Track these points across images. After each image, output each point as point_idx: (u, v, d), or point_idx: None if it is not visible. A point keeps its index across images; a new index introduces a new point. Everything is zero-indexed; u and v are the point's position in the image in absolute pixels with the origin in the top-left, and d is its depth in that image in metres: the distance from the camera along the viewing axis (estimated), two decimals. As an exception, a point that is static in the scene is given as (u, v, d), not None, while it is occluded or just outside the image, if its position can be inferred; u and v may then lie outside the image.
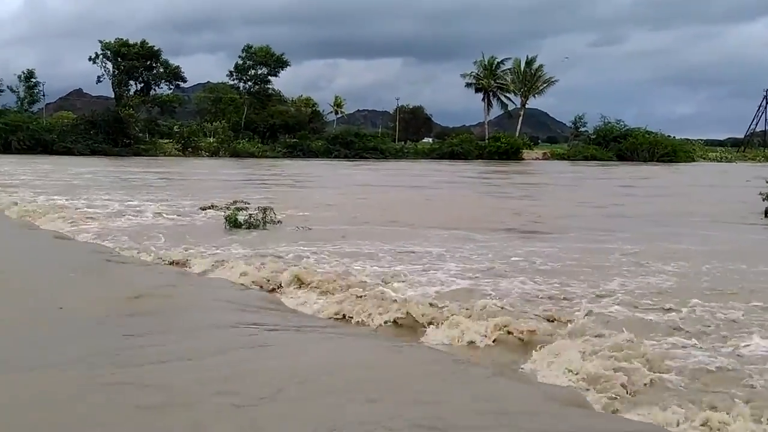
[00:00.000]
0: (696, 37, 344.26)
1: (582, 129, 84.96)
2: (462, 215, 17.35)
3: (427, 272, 9.36)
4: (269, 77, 74.32)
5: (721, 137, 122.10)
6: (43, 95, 78.58)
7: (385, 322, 7.16)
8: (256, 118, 73.15)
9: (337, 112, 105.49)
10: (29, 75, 75.12)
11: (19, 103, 73.54)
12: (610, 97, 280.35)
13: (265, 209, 13.58)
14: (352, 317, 7.39)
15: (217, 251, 10.60)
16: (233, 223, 13.23)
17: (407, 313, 7.21)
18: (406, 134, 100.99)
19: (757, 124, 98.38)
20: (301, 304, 7.93)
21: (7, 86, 74.35)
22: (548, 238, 12.99)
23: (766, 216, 17.47)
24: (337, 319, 7.39)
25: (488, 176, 39.81)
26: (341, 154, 65.68)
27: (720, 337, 6.36)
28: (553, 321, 6.93)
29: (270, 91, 75.83)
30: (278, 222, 13.51)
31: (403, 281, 8.62)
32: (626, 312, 7.15)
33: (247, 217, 13.36)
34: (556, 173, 42.99)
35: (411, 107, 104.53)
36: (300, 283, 8.62)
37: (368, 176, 37.72)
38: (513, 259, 10.38)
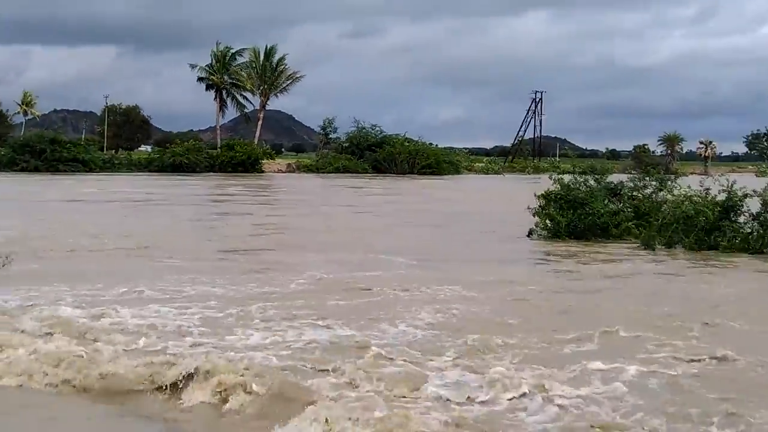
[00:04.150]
0: (461, 32, 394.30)
1: (332, 135, 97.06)
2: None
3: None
4: None
5: (489, 145, 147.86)
6: None
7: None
8: None
9: (26, 113, 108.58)
10: None
11: None
12: (366, 99, 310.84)
13: None
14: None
15: None
16: None
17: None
18: (117, 141, 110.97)
19: (525, 131, 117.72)
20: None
21: None
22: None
23: (529, 236, 21.93)
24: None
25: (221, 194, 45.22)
26: (30, 166, 70.27)
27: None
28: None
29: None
30: None
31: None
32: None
33: None
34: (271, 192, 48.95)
35: (124, 107, 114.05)
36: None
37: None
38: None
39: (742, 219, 20.38)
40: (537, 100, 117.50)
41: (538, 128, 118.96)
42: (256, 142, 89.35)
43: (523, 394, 7.45)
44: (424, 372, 8.12)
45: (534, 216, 22.44)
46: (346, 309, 11.50)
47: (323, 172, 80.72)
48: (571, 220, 21.51)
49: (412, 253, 18.23)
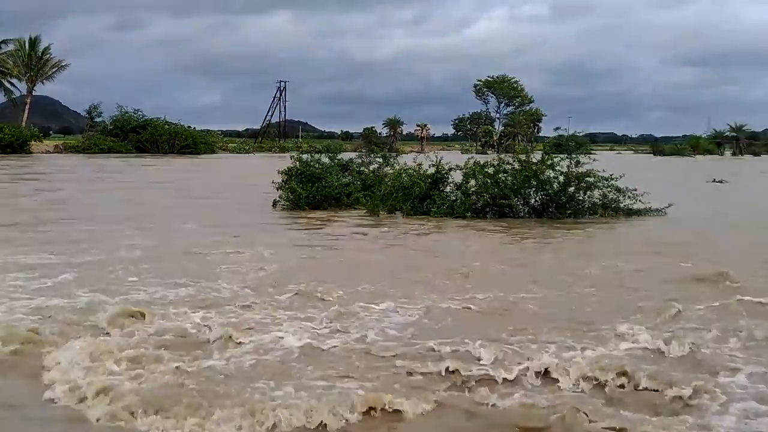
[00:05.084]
0: (217, 27, 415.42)
1: (98, 119, 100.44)
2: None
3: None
4: None
5: (241, 128, 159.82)
6: None
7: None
8: None
9: None
10: None
11: None
12: (130, 87, 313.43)
13: None
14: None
15: None
16: None
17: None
18: None
19: (272, 115, 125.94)
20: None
21: None
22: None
23: (274, 206, 24.62)
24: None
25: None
26: None
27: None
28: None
29: None
30: None
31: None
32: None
33: None
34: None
35: None
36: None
37: None
38: None
39: (448, 189, 23.79)
40: (282, 88, 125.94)
41: (282, 113, 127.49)
42: (24, 125, 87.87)
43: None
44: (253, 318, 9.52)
45: (278, 190, 25.13)
46: (169, 273, 12.25)
47: (89, 153, 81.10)
48: (310, 192, 24.41)
49: (197, 221, 20.35)
